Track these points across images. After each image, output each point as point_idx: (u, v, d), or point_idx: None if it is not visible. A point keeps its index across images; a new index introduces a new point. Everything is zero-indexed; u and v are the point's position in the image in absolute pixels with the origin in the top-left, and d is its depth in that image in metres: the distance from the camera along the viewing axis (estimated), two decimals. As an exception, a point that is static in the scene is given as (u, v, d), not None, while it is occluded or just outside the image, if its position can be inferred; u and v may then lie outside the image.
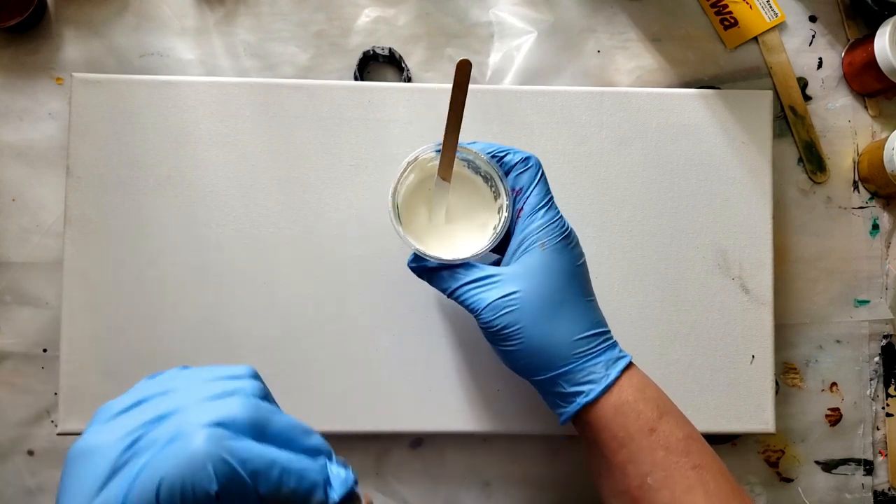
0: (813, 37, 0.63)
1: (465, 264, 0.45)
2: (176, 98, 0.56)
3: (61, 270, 0.54)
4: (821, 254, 0.61)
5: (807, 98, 0.62)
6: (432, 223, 0.49)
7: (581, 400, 0.44)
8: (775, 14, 0.62)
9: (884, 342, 0.61)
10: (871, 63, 0.59)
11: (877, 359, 0.61)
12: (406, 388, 0.55)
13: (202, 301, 0.55)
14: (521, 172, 0.46)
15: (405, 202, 0.48)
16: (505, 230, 0.46)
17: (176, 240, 0.55)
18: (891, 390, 0.61)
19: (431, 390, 0.55)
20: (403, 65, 0.60)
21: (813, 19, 0.63)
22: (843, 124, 0.62)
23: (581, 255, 0.46)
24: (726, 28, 0.62)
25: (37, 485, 0.57)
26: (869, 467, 0.60)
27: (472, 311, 0.44)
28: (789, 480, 0.60)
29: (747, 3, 0.62)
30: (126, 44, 0.59)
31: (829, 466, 0.60)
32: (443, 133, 0.45)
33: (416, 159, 0.47)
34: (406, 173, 0.47)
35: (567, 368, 0.44)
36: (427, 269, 0.46)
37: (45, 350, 0.58)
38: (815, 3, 0.63)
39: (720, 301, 0.57)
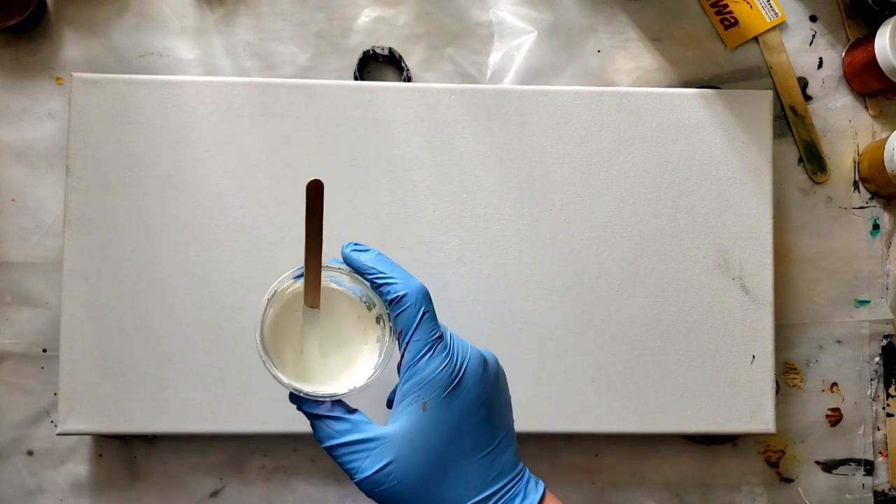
0: (813, 37, 0.63)
1: (342, 419, 0.41)
2: (176, 98, 0.55)
3: (61, 270, 0.54)
4: (821, 254, 0.61)
5: (807, 98, 0.62)
6: (307, 358, 0.44)
7: None
8: (775, 14, 0.62)
9: (884, 342, 0.61)
10: (872, 63, 0.59)
11: (877, 359, 0.61)
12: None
13: (201, 301, 0.55)
14: (400, 313, 0.41)
15: (268, 340, 0.42)
16: (388, 355, 0.42)
17: (176, 240, 0.55)
18: (891, 390, 0.61)
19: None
20: (403, 65, 0.60)
21: (813, 19, 0.63)
22: (844, 124, 0.62)
23: (480, 393, 0.41)
24: (726, 28, 0.62)
25: (37, 485, 0.57)
26: (869, 467, 0.60)
27: (349, 476, 0.40)
28: (790, 481, 0.60)
29: (747, 2, 0.62)
30: (126, 44, 0.59)
31: (829, 466, 0.60)
32: (303, 257, 0.41)
33: (274, 294, 0.42)
34: (267, 310, 0.42)
35: None
36: (307, 412, 0.41)
37: (44, 350, 0.58)
38: (816, 3, 0.63)
39: (720, 301, 0.57)
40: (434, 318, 0.42)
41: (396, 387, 0.42)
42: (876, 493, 0.60)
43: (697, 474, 0.60)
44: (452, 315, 0.55)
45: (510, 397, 0.44)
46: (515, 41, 0.61)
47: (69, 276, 0.54)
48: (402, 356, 0.41)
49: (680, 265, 0.57)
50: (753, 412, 0.56)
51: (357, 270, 0.43)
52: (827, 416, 0.60)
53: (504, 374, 0.44)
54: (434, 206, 0.56)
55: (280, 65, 0.60)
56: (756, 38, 0.62)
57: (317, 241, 0.41)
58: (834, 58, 0.63)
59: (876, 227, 0.62)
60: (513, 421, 0.44)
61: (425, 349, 0.41)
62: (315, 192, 0.41)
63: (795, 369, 0.61)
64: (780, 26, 0.62)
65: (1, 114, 0.59)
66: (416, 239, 0.56)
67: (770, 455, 0.60)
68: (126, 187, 0.55)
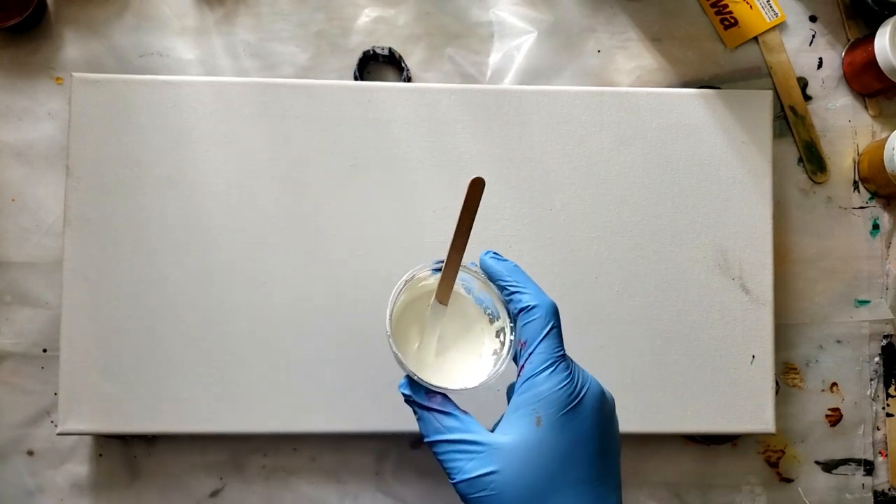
0: (813, 37, 0.63)
1: (453, 415, 0.40)
2: (176, 98, 0.56)
3: (61, 270, 0.54)
4: (821, 254, 0.61)
5: (807, 98, 0.62)
6: (423, 350, 0.45)
7: None
8: (775, 14, 0.62)
9: (884, 342, 0.61)
10: (872, 63, 0.59)
11: (877, 359, 0.61)
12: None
13: (202, 301, 0.55)
14: (528, 323, 0.40)
15: (394, 325, 0.43)
16: (504, 365, 0.42)
17: (176, 240, 0.55)
18: (891, 390, 0.61)
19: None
20: (403, 65, 0.60)
21: (813, 19, 0.63)
22: (844, 124, 0.62)
23: (596, 423, 0.40)
24: (726, 28, 0.62)
25: (36, 485, 0.57)
26: (869, 467, 0.60)
27: (448, 475, 0.39)
28: (789, 481, 0.60)
29: (747, 2, 0.62)
30: (126, 44, 0.59)
31: (829, 466, 0.60)
32: (447, 252, 0.42)
33: (412, 278, 0.43)
34: (400, 293, 0.43)
35: None
36: (417, 403, 0.41)
37: (44, 350, 0.58)
38: (815, 3, 0.63)
39: (720, 301, 0.57)
40: (560, 335, 0.41)
41: (502, 416, 0.41)
42: (876, 493, 0.60)
43: (697, 474, 0.60)
44: (452, 315, 0.55)
45: (620, 444, 0.43)
46: (515, 41, 0.61)
47: (69, 276, 0.54)
48: (522, 367, 0.40)
49: (680, 265, 0.57)
50: (753, 412, 0.56)
51: (492, 277, 0.43)
52: (827, 416, 0.60)
53: (618, 421, 0.43)
54: (434, 206, 0.56)
55: (280, 65, 0.60)
56: (756, 39, 0.62)
57: (464, 238, 0.41)
58: (834, 58, 0.63)
59: (876, 227, 0.62)
60: (620, 469, 0.42)
61: (547, 363, 0.40)
62: (477, 189, 0.40)
63: (795, 369, 0.61)
64: (780, 26, 0.62)
65: (1, 114, 0.59)
66: (416, 239, 0.56)
67: (770, 455, 0.60)
68: (126, 187, 0.55)
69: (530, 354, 0.40)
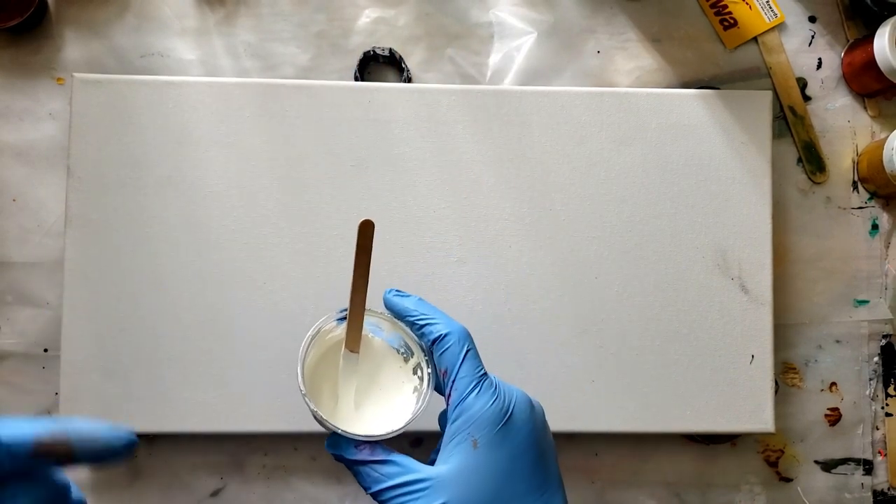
0: (812, 37, 0.63)
1: (388, 462, 0.40)
2: (176, 98, 0.56)
3: (62, 270, 0.55)
4: (820, 254, 0.61)
5: (806, 98, 0.62)
6: (342, 403, 0.44)
7: None
8: (775, 14, 0.62)
9: (883, 342, 0.61)
10: (871, 63, 0.59)
11: (876, 359, 0.61)
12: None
13: (202, 301, 0.55)
14: (444, 351, 0.41)
15: (308, 383, 0.43)
16: (426, 400, 0.42)
17: (176, 240, 0.55)
18: (890, 390, 0.61)
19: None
20: (403, 65, 0.60)
21: (812, 20, 0.63)
22: (843, 124, 0.62)
23: (530, 432, 0.41)
24: (726, 28, 0.62)
25: (37, 484, 0.57)
26: (868, 467, 0.60)
27: None
28: (789, 480, 0.60)
29: (747, 3, 0.62)
30: (126, 44, 0.59)
31: (828, 466, 0.60)
32: (348, 299, 0.41)
33: (318, 332, 0.43)
34: (308, 349, 0.43)
35: None
36: (347, 459, 0.41)
37: (45, 350, 0.58)
38: (815, 4, 0.63)
39: (720, 301, 0.57)
40: (477, 356, 0.42)
41: (440, 444, 0.41)
42: (875, 493, 0.60)
43: (697, 474, 0.60)
44: (452, 315, 0.56)
45: (554, 444, 0.44)
46: (515, 42, 0.61)
47: (70, 275, 0.54)
48: (449, 395, 0.41)
49: (679, 265, 0.57)
50: (753, 412, 0.56)
51: (399, 314, 0.43)
52: (826, 415, 0.61)
53: (548, 424, 0.44)
54: (434, 206, 0.56)
55: (281, 65, 0.60)
56: (755, 39, 0.62)
57: (363, 283, 0.41)
58: (833, 58, 0.63)
59: (875, 227, 0.62)
60: (559, 467, 0.43)
61: (472, 385, 0.40)
62: (366, 232, 0.40)
63: (794, 369, 0.61)
64: (780, 27, 0.62)
65: (2, 114, 0.59)
66: (416, 239, 0.56)
67: (769, 454, 0.60)
68: (127, 187, 0.55)
69: (454, 381, 0.41)
